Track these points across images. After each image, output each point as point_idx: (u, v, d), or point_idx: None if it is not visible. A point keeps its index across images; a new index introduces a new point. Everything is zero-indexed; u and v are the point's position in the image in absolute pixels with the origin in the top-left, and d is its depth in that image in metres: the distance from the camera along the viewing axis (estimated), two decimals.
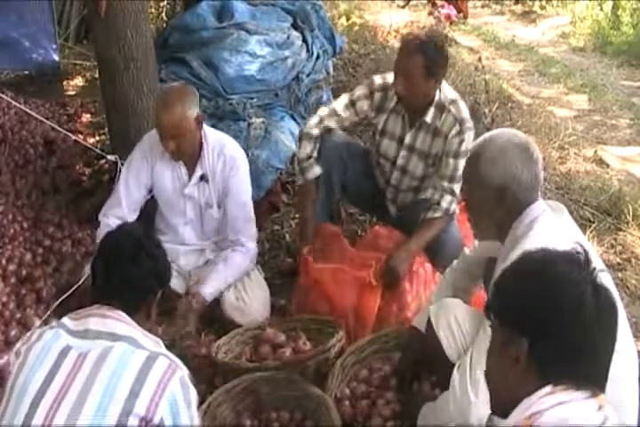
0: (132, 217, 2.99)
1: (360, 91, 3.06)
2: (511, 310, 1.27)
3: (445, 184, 2.91)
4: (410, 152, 3.05)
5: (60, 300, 2.85)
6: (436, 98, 2.92)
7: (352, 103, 3.05)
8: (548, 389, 1.20)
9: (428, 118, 2.94)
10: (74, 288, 2.88)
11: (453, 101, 2.93)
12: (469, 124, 2.92)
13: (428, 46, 2.82)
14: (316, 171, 3.06)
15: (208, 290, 2.87)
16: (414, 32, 3.16)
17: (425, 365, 2.30)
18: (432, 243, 2.90)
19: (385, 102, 3.03)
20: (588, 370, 1.23)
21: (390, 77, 2.96)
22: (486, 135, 2.05)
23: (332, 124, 3.07)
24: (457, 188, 2.87)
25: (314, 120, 3.09)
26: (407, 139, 3.03)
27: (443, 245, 2.92)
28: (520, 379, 1.24)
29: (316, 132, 3.06)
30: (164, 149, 2.91)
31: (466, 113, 2.94)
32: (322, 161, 3.07)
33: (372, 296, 2.72)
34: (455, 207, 2.92)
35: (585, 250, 1.30)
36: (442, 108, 2.93)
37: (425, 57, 2.80)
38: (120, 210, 3.00)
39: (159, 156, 3.00)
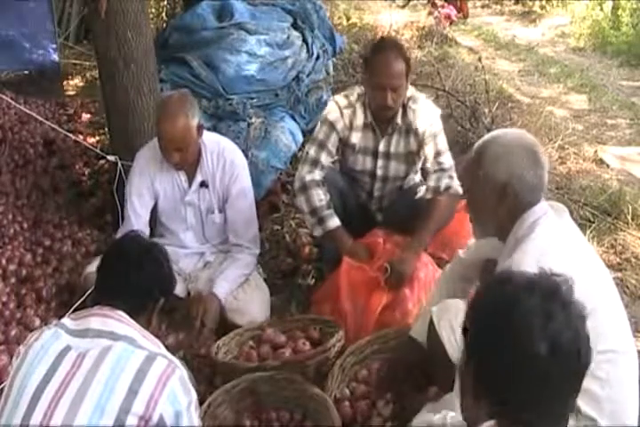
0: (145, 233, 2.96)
1: (332, 114, 3.00)
2: (471, 331, 1.23)
3: (435, 167, 2.95)
4: (386, 159, 3.04)
5: (76, 304, 2.78)
6: None
7: (331, 126, 2.99)
8: (489, 423, 1.15)
9: (399, 119, 2.96)
10: (86, 295, 2.82)
11: (410, 98, 2.96)
12: (431, 110, 2.99)
13: (402, 51, 2.86)
14: (337, 220, 2.92)
15: (221, 291, 2.88)
16: (381, 42, 3.02)
17: (419, 371, 2.27)
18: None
19: (353, 120, 3.00)
20: (538, 413, 1.15)
21: (354, 94, 3.00)
22: (491, 134, 2.02)
23: (323, 159, 2.97)
24: (445, 160, 2.95)
25: (305, 168, 2.97)
26: (381, 147, 3.02)
27: None
28: (473, 402, 1.20)
29: (318, 177, 2.95)
30: (167, 161, 2.89)
31: (423, 103, 2.98)
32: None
33: (377, 299, 2.72)
34: (446, 181, 2.93)
35: (555, 275, 1.22)
36: (404, 107, 2.96)
37: (405, 63, 2.83)
38: None
39: (158, 168, 2.98)
